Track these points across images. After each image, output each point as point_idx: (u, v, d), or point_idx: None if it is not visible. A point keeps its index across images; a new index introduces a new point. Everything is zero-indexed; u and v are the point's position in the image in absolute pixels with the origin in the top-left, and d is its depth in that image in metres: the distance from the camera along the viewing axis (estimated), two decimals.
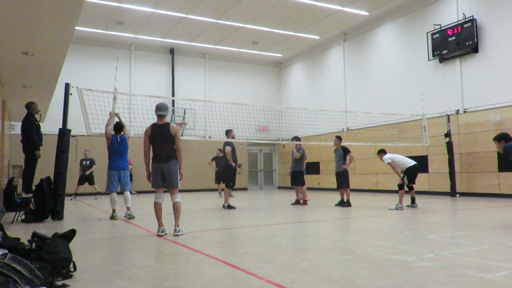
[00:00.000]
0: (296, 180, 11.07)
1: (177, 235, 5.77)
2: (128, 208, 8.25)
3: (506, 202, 10.92)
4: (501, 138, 6.50)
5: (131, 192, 18.22)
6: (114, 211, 8.23)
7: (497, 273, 3.51)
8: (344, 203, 10.39)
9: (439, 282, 3.27)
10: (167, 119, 6.20)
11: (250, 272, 3.66)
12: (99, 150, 17.31)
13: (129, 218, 8.05)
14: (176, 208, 5.95)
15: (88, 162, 14.68)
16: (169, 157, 5.91)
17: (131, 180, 17.92)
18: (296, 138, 11.30)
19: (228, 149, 10.15)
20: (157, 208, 5.97)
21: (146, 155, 6.06)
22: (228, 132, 10.34)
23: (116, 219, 8.04)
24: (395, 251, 4.53)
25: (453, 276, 3.42)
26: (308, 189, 13.49)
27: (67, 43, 6.89)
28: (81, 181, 14.61)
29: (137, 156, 18.12)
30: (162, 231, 5.87)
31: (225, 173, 10.43)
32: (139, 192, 18.17)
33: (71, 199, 14.05)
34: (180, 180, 6.03)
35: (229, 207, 10.12)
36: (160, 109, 6.04)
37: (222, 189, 15.36)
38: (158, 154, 5.93)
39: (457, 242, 5.07)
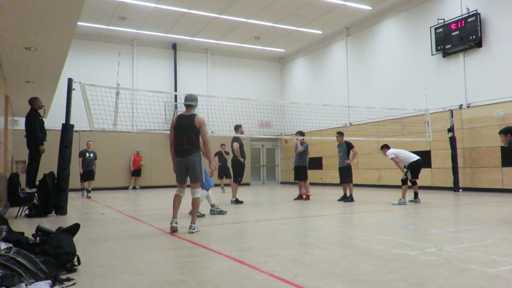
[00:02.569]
0: (299, 175, 11.08)
1: (192, 232, 5.63)
2: (212, 205, 7.99)
3: (509, 197, 10.89)
4: (507, 131, 6.47)
5: (135, 188, 18.37)
6: (213, 205, 7.97)
7: (501, 268, 3.51)
8: (347, 198, 10.39)
9: (442, 276, 3.27)
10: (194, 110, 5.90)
11: (254, 266, 3.67)
12: (102, 145, 17.40)
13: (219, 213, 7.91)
14: (194, 203, 5.79)
15: (92, 155, 13.23)
16: (190, 149, 5.69)
17: (140, 175, 18.11)
18: (300, 133, 11.26)
19: (236, 145, 10.19)
20: (176, 199, 5.79)
21: (171, 147, 5.82)
22: (237, 128, 10.34)
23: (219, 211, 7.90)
24: (398, 245, 4.53)
25: (456, 270, 3.42)
26: (311, 184, 13.51)
27: (69, 38, 6.89)
28: (85, 177, 13.15)
29: (143, 151, 18.21)
30: (176, 223, 5.69)
31: (233, 168, 10.48)
32: (142, 187, 18.23)
33: (83, 195, 13.26)
34: (211, 175, 5.82)
35: (237, 201, 10.15)
36: (188, 99, 5.83)
37: (225, 185, 15.42)
38: (179, 146, 5.72)
39: (460, 237, 5.07)
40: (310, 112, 14.46)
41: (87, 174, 13.10)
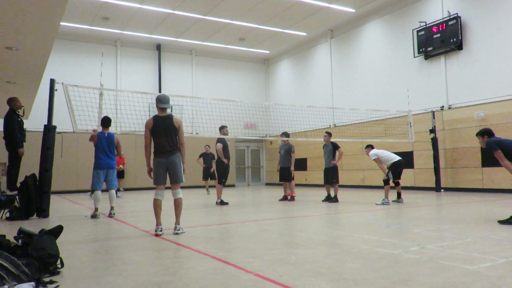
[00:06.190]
0: (284, 176, 11.12)
1: (177, 233, 5.59)
2: (112, 208, 8.09)
3: (489, 196, 11.13)
4: (484, 133, 6.62)
5: (119, 190, 18.12)
6: (96, 209, 7.92)
7: (481, 265, 3.59)
8: (331, 199, 10.46)
9: (425, 274, 3.33)
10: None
11: (239, 267, 3.68)
12: (85, 147, 17.15)
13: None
14: (178, 204, 5.73)
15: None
16: (173, 150, 5.67)
17: (123, 177, 17.86)
18: (285, 134, 11.30)
19: (219, 146, 10.16)
20: (157, 205, 5.66)
21: (147, 149, 5.73)
22: (221, 128, 10.32)
23: (98, 217, 7.80)
24: (382, 244, 4.60)
25: (438, 268, 3.49)
26: (296, 185, 13.57)
27: (52, 39, 6.81)
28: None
29: (126, 153, 17.98)
30: (161, 230, 5.58)
31: (217, 170, 10.46)
32: (126, 190, 18.02)
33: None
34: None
35: (222, 203, 10.14)
36: (163, 102, 5.73)
37: (210, 186, 15.38)
38: (161, 148, 5.65)
39: (442, 235, 5.16)
40: (295, 113, 14.54)
41: None
